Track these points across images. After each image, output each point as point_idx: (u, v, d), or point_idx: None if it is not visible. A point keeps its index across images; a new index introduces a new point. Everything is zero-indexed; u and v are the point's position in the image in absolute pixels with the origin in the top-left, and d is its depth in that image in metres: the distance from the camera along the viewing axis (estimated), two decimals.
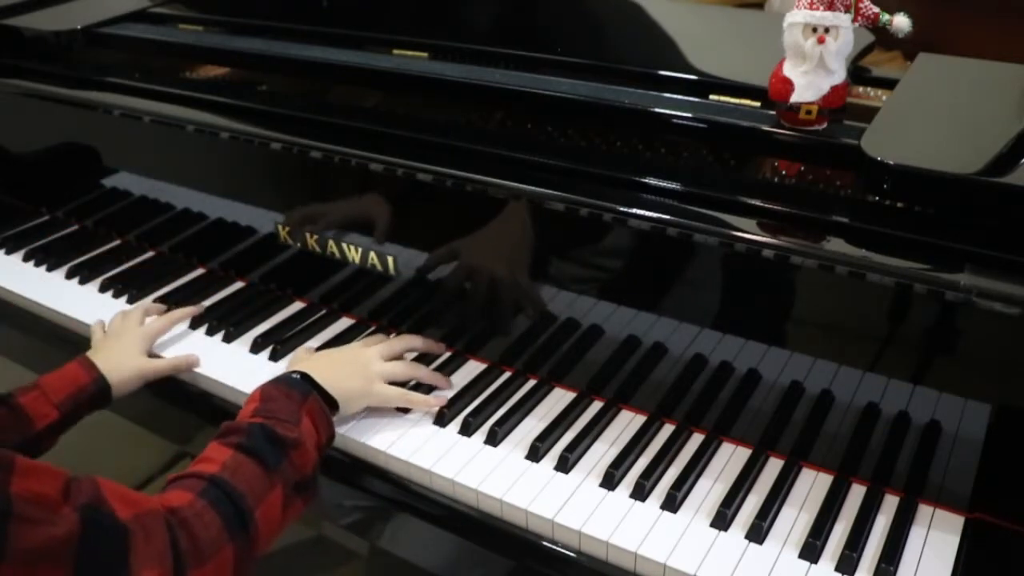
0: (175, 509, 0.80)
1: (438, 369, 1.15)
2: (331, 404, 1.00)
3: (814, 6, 0.89)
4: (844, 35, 0.90)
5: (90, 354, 1.15)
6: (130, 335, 1.20)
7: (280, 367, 1.18)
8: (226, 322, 1.25)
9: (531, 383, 1.12)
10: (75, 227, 1.55)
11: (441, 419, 1.06)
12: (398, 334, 1.21)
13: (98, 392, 1.11)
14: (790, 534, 0.91)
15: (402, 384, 1.10)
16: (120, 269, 1.41)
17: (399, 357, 1.14)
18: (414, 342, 1.17)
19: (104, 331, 1.25)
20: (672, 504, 0.94)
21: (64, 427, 1.09)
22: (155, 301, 1.32)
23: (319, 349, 1.20)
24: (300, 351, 1.17)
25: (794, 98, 0.92)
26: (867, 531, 0.90)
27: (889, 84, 1.03)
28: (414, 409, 1.08)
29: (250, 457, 0.88)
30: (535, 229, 1.04)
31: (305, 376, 1.00)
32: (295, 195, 1.25)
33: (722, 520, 0.92)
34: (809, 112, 0.93)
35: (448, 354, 1.18)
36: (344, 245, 1.19)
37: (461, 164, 1.05)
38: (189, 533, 0.79)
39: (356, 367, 1.07)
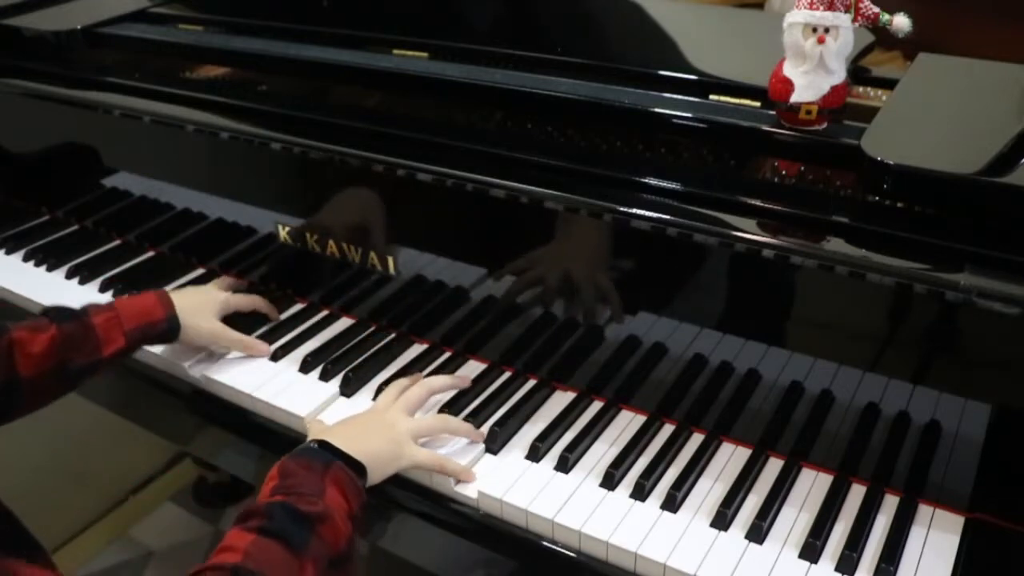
0: None
1: (438, 370, 1.15)
2: (358, 470, 0.92)
3: (814, 6, 0.89)
4: (844, 35, 0.90)
5: (171, 292, 1.16)
6: (214, 295, 1.21)
7: (280, 367, 1.18)
8: (226, 323, 1.25)
9: (531, 383, 1.12)
10: (75, 227, 1.55)
11: None
12: (398, 335, 1.21)
13: (168, 331, 1.12)
14: (790, 534, 0.91)
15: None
16: (120, 269, 1.41)
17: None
18: (435, 384, 1.08)
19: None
20: (672, 504, 0.94)
21: (127, 354, 1.10)
22: None
23: (319, 349, 1.20)
24: (313, 423, 1.06)
25: (794, 98, 0.92)
26: (867, 531, 0.90)
27: (889, 84, 1.03)
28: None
29: (274, 540, 0.81)
30: (535, 229, 1.04)
31: (324, 444, 0.93)
32: (295, 195, 1.25)
33: (722, 520, 0.92)
34: (809, 112, 0.93)
35: (448, 354, 1.18)
36: (344, 245, 1.19)
37: (461, 164, 1.05)
38: None
39: (381, 429, 0.99)
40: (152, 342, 1.14)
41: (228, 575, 0.77)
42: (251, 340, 1.19)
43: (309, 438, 0.97)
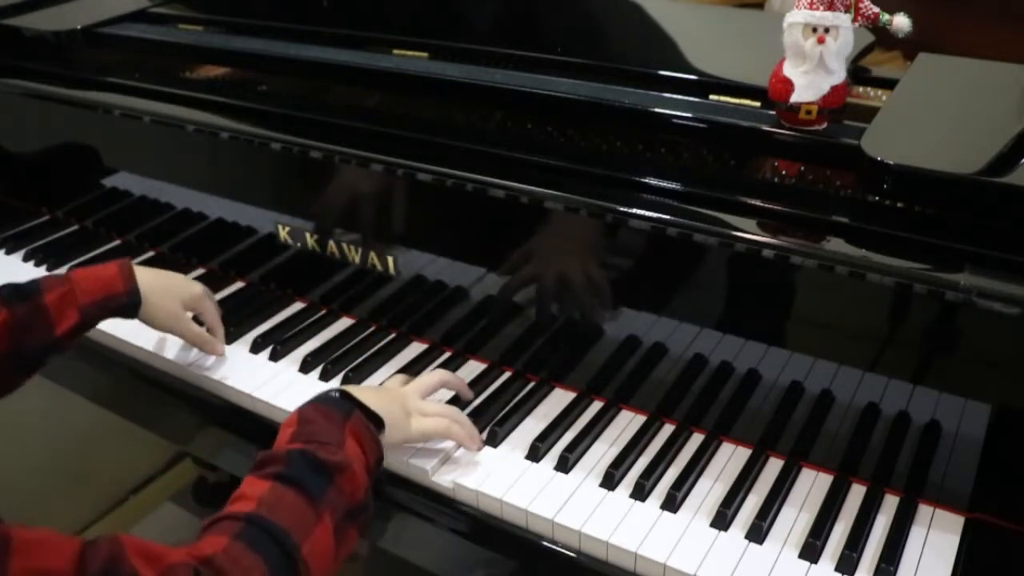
0: (208, 558, 0.72)
1: (440, 369, 1.15)
2: (377, 423, 0.91)
3: (814, 6, 0.89)
4: (844, 35, 0.90)
5: (136, 267, 1.10)
6: (187, 283, 1.16)
7: (280, 367, 1.18)
8: (226, 322, 1.25)
9: (531, 383, 1.12)
10: (75, 227, 1.55)
11: None
12: (398, 335, 1.21)
13: (127, 305, 1.07)
14: (790, 534, 0.91)
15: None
16: None
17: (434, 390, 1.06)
18: (447, 377, 1.08)
19: None
20: (672, 504, 0.94)
21: (85, 329, 1.05)
22: None
23: (319, 349, 1.20)
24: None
25: (794, 98, 0.92)
26: (867, 531, 0.90)
27: (889, 84, 1.03)
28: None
29: (291, 487, 0.79)
30: (535, 229, 1.04)
31: (345, 394, 0.91)
32: (295, 195, 1.25)
33: (722, 520, 0.92)
34: (809, 112, 0.93)
35: (448, 354, 1.18)
36: (344, 245, 1.19)
37: (461, 164, 1.05)
38: None
39: (395, 398, 0.98)
40: (111, 316, 1.08)
41: (242, 523, 0.75)
42: (208, 336, 1.16)
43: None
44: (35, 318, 1.00)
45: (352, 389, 0.95)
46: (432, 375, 1.07)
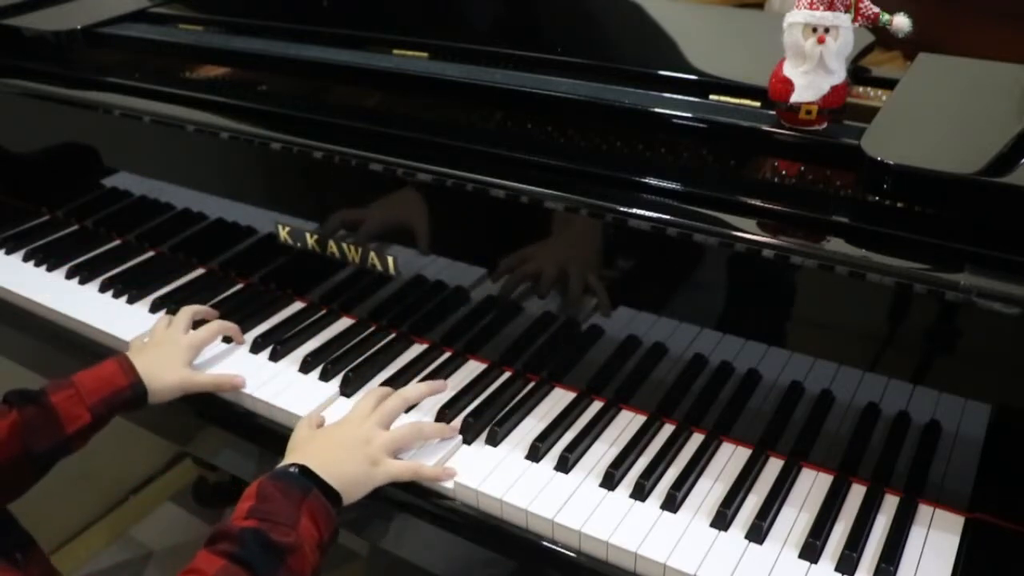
0: None
1: (438, 369, 1.15)
2: (333, 498, 0.93)
3: (814, 6, 0.89)
4: (844, 35, 0.90)
5: (131, 355, 1.11)
6: (175, 344, 1.15)
7: (280, 367, 1.18)
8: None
9: (531, 383, 1.12)
10: (75, 227, 1.55)
11: (441, 419, 1.06)
12: (398, 335, 1.21)
13: (134, 398, 1.07)
14: (790, 534, 0.91)
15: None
16: (120, 269, 1.41)
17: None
18: (410, 394, 1.08)
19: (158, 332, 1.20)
20: (672, 504, 0.94)
21: (96, 429, 1.05)
22: (155, 301, 1.32)
23: (319, 349, 1.20)
24: (302, 426, 1.05)
25: (794, 98, 0.92)
26: (867, 531, 0.90)
27: (889, 84, 1.03)
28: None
29: (243, 568, 0.81)
30: (535, 229, 1.04)
31: (304, 471, 0.93)
32: (295, 195, 1.25)
33: (722, 520, 0.92)
34: (809, 112, 0.93)
35: (448, 354, 1.18)
36: (344, 245, 1.19)
37: (461, 164, 1.05)
38: None
39: (357, 446, 0.98)
40: (121, 411, 1.08)
41: None
42: (223, 376, 1.15)
43: (290, 451, 0.99)
44: (44, 419, 1.02)
45: (312, 452, 0.97)
46: (394, 399, 1.06)
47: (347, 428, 1.02)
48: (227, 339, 1.23)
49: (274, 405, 1.11)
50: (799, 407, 0.96)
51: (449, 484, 0.99)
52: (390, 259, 1.16)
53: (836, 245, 0.85)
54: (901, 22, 0.92)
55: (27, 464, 1.02)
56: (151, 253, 1.46)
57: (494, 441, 1.03)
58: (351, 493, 0.95)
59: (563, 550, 0.93)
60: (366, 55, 1.28)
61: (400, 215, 1.14)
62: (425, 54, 1.26)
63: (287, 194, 1.26)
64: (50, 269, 1.43)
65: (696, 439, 1.03)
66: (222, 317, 1.26)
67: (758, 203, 0.91)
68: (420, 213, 1.13)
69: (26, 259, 1.46)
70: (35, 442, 1.01)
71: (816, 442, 0.97)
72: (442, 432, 1.04)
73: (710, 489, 0.96)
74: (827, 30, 0.89)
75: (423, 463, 1.00)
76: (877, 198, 0.88)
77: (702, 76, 1.09)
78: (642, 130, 1.05)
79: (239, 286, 1.36)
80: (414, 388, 1.09)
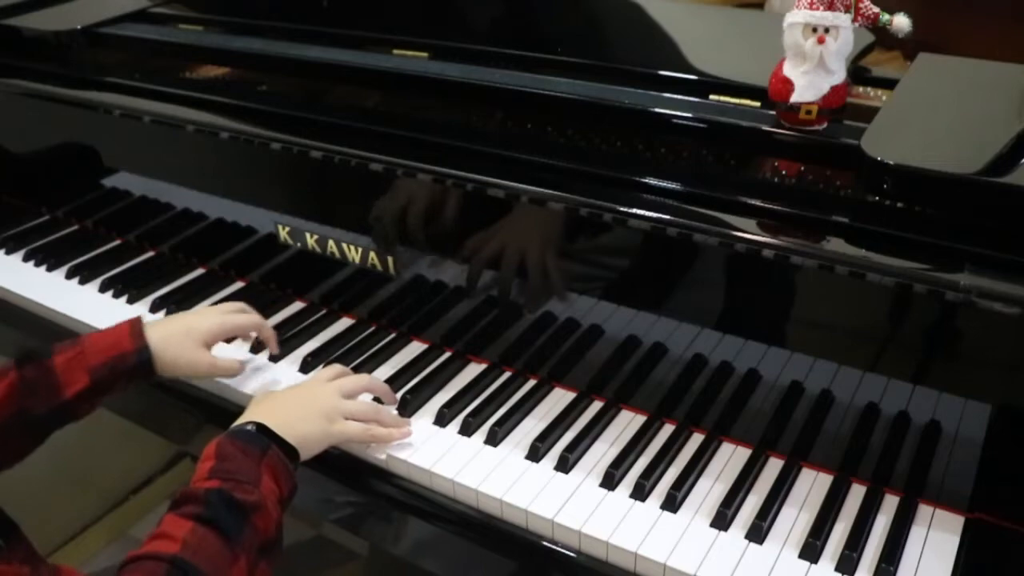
0: None
1: (440, 368, 1.15)
2: (291, 455, 0.94)
3: (814, 6, 0.89)
4: (844, 35, 0.90)
5: (149, 322, 1.07)
6: (197, 319, 1.11)
7: (280, 367, 1.18)
8: None
9: (531, 383, 1.12)
10: (75, 227, 1.55)
11: (441, 419, 1.06)
12: (398, 335, 1.21)
13: (139, 364, 1.03)
14: (790, 534, 0.91)
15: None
16: (120, 269, 1.41)
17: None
18: (373, 383, 1.08)
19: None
20: (672, 504, 0.94)
21: (99, 394, 1.01)
22: (155, 301, 1.32)
23: (319, 349, 1.20)
24: (259, 393, 1.06)
25: (794, 98, 0.92)
26: (867, 531, 0.90)
27: (889, 84, 1.03)
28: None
29: (211, 529, 0.82)
30: (536, 229, 1.04)
31: (261, 427, 0.93)
32: (295, 195, 1.25)
33: (722, 520, 0.92)
34: (809, 112, 0.93)
35: (448, 354, 1.18)
36: (344, 245, 1.19)
37: (461, 164, 1.05)
38: None
39: (314, 405, 1.00)
40: (126, 377, 1.03)
41: (166, 565, 0.78)
42: (236, 363, 1.13)
43: (248, 411, 0.98)
44: (42, 380, 0.98)
45: (268, 410, 0.97)
46: (359, 378, 1.07)
47: (304, 388, 1.05)
48: (229, 340, 1.22)
49: None
50: (799, 407, 0.96)
51: (449, 483, 0.98)
52: (390, 259, 1.16)
53: (836, 245, 0.85)
54: (901, 22, 0.92)
55: (23, 427, 0.99)
56: (151, 253, 1.46)
57: (494, 441, 1.03)
58: (308, 449, 0.96)
59: (563, 550, 0.93)
60: (366, 55, 1.28)
61: (398, 214, 1.14)
62: (425, 54, 1.26)
63: (287, 194, 1.26)
64: (50, 269, 1.43)
65: (696, 439, 1.03)
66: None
67: (758, 203, 0.91)
68: (419, 213, 1.13)
69: (26, 259, 1.46)
70: (32, 404, 0.97)
71: (816, 442, 0.97)
72: (398, 423, 1.04)
73: (710, 489, 0.96)
74: (827, 30, 0.89)
75: (376, 424, 1.02)
76: (877, 198, 0.88)
77: (702, 76, 1.09)
78: (642, 130, 1.05)
79: (239, 286, 1.36)
80: (377, 381, 1.09)
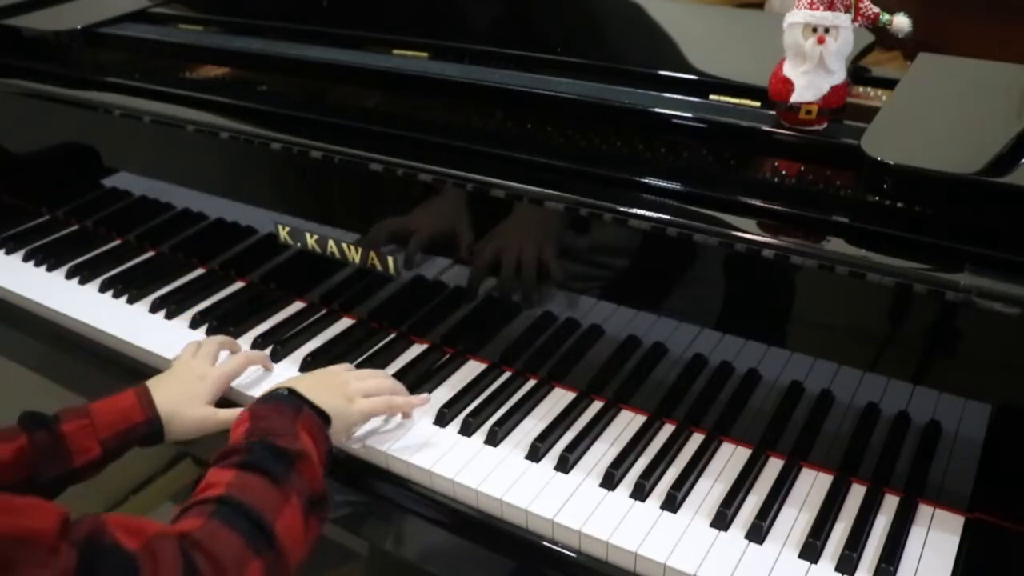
0: (187, 533, 0.74)
1: (439, 369, 1.15)
2: (324, 418, 0.94)
3: (814, 6, 0.89)
4: (844, 35, 0.90)
5: (152, 385, 1.05)
6: (201, 379, 1.09)
7: (281, 366, 1.18)
8: (226, 322, 1.25)
9: (531, 383, 1.12)
10: (75, 227, 1.55)
11: (441, 419, 1.06)
12: (398, 335, 1.21)
13: (149, 434, 1.03)
14: (790, 534, 0.91)
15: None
16: (120, 269, 1.41)
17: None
18: (385, 384, 1.07)
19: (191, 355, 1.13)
20: (672, 504, 0.94)
21: (108, 461, 1.02)
22: (155, 301, 1.32)
23: (319, 349, 1.20)
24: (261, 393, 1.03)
25: (794, 98, 0.92)
26: (867, 531, 0.90)
27: (889, 84, 1.04)
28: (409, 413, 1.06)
29: (256, 473, 0.81)
30: (536, 229, 1.04)
31: (292, 392, 0.94)
32: (295, 195, 1.25)
33: (722, 520, 0.92)
34: (809, 112, 0.93)
35: (448, 354, 1.18)
36: (344, 245, 1.19)
37: (461, 164, 1.05)
38: (207, 554, 0.73)
39: (334, 386, 1.01)
40: (135, 444, 1.03)
41: (214, 505, 0.78)
42: (229, 416, 1.06)
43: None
44: (53, 447, 0.98)
45: (297, 384, 0.97)
46: (378, 379, 1.07)
47: (324, 372, 1.07)
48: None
49: None
50: (799, 407, 0.96)
51: (449, 483, 0.98)
52: (390, 259, 1.16)
53: (836, 245, 0.85)
54: (901, 22, 0.92)
55: (32, 491, 0.97)
56: (151, 253, 1.46)
57: (494, 441, 1.03)
58: (335, 422, 0.96)
59: (563, 550, 0.93)
60: (366, 55, 1.28)
61: (398, 215, 1.14)
62: (425, 54, 1.26)
63: (287, 194, 1.26)
64: (50, 269, 1.43)
65: (696, 439, 1.03)
66: (222, 317, 1.26)
67: (758, 203, 0.91)
68: (419, 212, 1.13)
69: (26, 259, 1.46)
70: (42, 470, 0.97)
71: (816, 442, 0.97)
72: (411, 401, 1.06)
73: (710, 489, 0.96)
74: (827, 30, 0.89)
75: (394, 397, 1.05)
76: (877, 198, 0.88)
77: (702, 76, 1.09)
78: (642, 130, 1.05)
79: (239, 286, 1.36)
80: (397, 387, 1.08)
